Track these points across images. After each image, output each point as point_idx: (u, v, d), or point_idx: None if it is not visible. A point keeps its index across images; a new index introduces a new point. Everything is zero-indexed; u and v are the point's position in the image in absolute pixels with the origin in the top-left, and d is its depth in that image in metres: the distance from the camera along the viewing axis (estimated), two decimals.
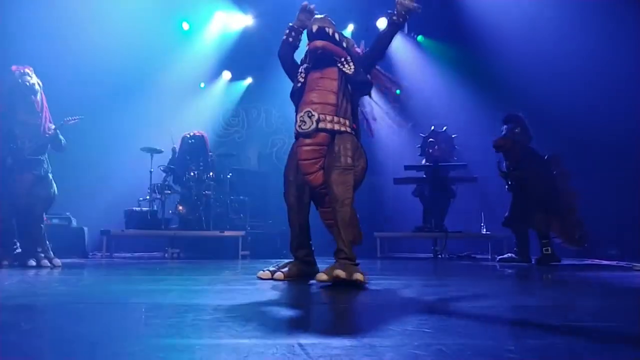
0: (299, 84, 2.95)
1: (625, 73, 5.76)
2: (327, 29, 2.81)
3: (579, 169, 5.19)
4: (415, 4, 2.88)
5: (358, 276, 2.49)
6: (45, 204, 4.03)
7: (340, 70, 2.85)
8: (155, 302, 1.99)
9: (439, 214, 6.24)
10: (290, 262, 2.98)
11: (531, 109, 5.45)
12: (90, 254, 5.70)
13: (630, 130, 5.69)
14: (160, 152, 6.18)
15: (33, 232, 3.93)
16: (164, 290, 2.41)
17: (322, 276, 2.51)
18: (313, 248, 3.06)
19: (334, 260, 2.65)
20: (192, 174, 6.09)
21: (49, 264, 3.86)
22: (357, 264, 2.65)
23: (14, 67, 3.97)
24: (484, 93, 7.15)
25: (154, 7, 7.00)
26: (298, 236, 2.94)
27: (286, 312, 1.72)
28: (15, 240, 4.00)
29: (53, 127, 4.04)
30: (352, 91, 2.89)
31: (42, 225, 4.03)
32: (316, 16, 2.92)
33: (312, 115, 2.72)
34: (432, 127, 6.55)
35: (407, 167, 6.47)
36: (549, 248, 4.75)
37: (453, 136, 6.49)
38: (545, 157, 5.01)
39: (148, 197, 6.06)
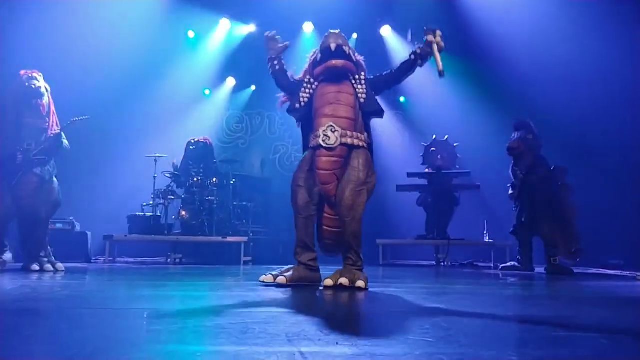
0: (306, 98, 3.04)
1: (628, 82, 5.75)
2: (344, 47, 2.96)
3: (581, 178, 5.18)
4: (439, 60, 2.90)
5: (360, 283, 2.68)
6: (51, 209, 4.04)
7: (354, 86, 3.00)
8: (157, 308, 1.99)
9: (443, 222, 6.22)
10: (294, 267, 2.99)
11: (533, 117, 5.46)
12: (93, 258, 5.72)
13: (632, 140, 5.68)
14: (162, 157, 6.20)
15: (37, 237, 3.94)
16: (166, 296, 2.41)
17: (328, 282, 2.75)
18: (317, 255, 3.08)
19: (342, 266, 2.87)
20: (195, 179, 6.10)
21: (52, 269, 3.87)
22: (362, 268, 2.84)
23: (22, 72, 4.02)
24: (486, 102, 7.16)
25: (160, 15, 7.07)
26: (303, 241, 2.97)
27: (287, 320, 1.72)
28: (6, 242, 4.01)
29: (58, 129, 4.05)
30: (364, 115, 3.02)
31: (46, 230, 4.04)
32: (331, 31, 3.03)
33: (336, 130, 2.85)
34: (434, 136, 6.55)
35: (409, 175, 6.46)
36: (557, 258, 4.73)
37: (455, 145, 6.49)
38: (552, 168, 5.01)
39: (151, 203, 6.08)
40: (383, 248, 6.15)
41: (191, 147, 6.42)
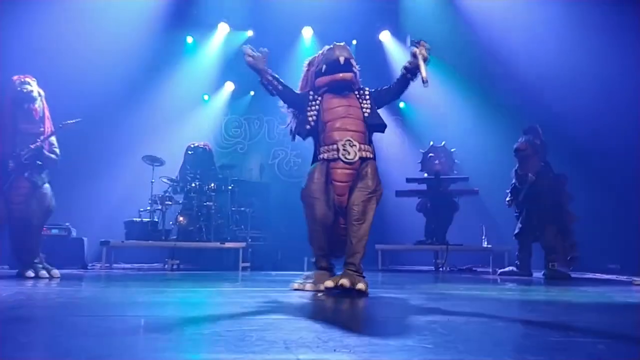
0: (314, 116, 3.09)
1: (628, 88, 5.77)
2: (352, 60, 3.06)
3: (579, 183, 5.19)
4: (424, 71, 2.96)
5: (360, 286, 2.73)
6: (43, 217, 4.00)
7: (358, 100, 3.11)
8: (154, 315, 1.98)
9: (442, 227, 6.23)
10: (316, 272, 3.07)
11: (530, 122, 5.48)
12: (90, 264, 5.69)
13: (630, 145, 5.70)
14: (162, 163, 6.19)
15: (29, 243, 3.90)
16: (162, 303, 2.40)
17: (329, 283, 2.80)
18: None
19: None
20: (193, 184, 6.09)
21: (47, 275, 3.84)
22: (363, 276, 2.88)
23: (15, 77, 3.98)
24: (485, 108, 7.18)
25: (158, 20, 7.09)
26: (323, 249, 3.09)
27: (285, 327, 1.71)
28: None
29: (39, 142, 3.95)
30: (367, 128, 3.12)
31: (39, 237, 4.01)
32: (337, 44, 3.10)
33: (354, 144, 2.96)
34: (431, 143, 6.56)
35: (408, 180, 6.47)
36: (555, 263, 4.74)
37: (452, 150, 6.50)
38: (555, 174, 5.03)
39: (149, 208, 6.06)
40: (382, 253, 6.14)
41: (189, 152, 6.41)
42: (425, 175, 6.49)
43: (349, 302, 2.45)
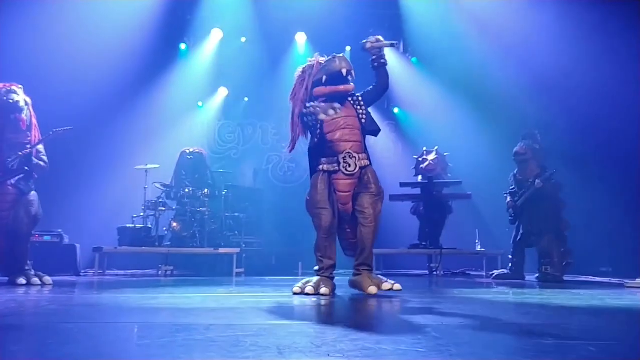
0: (319, 129, 3.17)
1: (619, 92, 5.80)
2: (352, 72, 3.17)
3: (571, 187, 5.23)
4: (385, 42, 3.23)
5: (386, 286, 3.06)
6: (31, 223, 3.93)
7: (354, 107, 3.22)
8: (147, 322, 1.97)
9: (435, 231, 6.24)
10: (318, 278, 3.12)
11: (525, 125, 5.52)
12: (83, 271, 5.63)
13: (621, 147, 5.75)
14: (154, 168, 6.16)
15: (19, 251, 3.86)
16: (155, 309, 2.38)
17: (373, 289, 3.00)
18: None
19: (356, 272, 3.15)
20: (186, 190, 6.07)
21: (39, 282, 3.80)
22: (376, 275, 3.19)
23: (0, 85, 3.90)
24: (478, 112, 7.22)
25: (152, 26, 7.07)
26: (328, 256, 3.16)
27: (279, 332, 1.71)
28: None
29: (28, 149, 3.91)
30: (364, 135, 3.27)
31: (28, 245, 3.97)
32: (337, 55, 3.19)
33: (353, 156, 3.11)
34: (424, 148, 6.58)
35: (402, 185, 6.49)
36: (549, 267, 4.77)
37: (445, 154, 6.53)
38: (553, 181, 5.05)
39: (142, 214, 6.03)
40: (376, 257, 6.13)
41: (189, 157, 6.38)
42: (420, 177, 6.50)
43: (342, 307, 2.45)
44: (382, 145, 7.92)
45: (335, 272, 3.24)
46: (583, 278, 5.31)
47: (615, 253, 5.62)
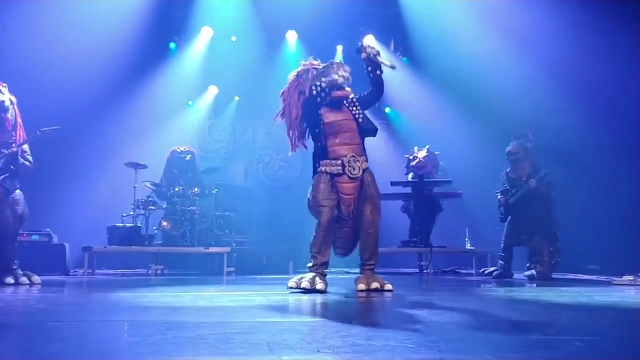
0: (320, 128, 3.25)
1: (611, 91, 5.86)
2: (350, 78, 3.23)
3: (559, 185, 5.28)
4: (385, 62, 3.26)
5: (388, 286, 3.13)
6: (17, 223, 3.86)
7: (349, 109, 3.28)
8: (137, 320, 1.96)
9: (425, 229, 6.28)
10: (313, 274, 3.13)
11: (516, 124, 5.56)
12: (72, 271, 5.57)
13: (608, 146, 5.82)
14: (144, 167, 6.12)
15: (6, 251, 3.80)
16: (145, 308, 2.37)
17: (361, 286, 3.11)
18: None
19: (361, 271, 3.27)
20: (176, 189, 6.04)
21: (27, 282, 3.76)
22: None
23: None
24: (469, 112, 7.26)
25: (141, 24, 7.02)
26: (323, 253, 3.20)
27: (269, 329, 1.71)
28: None
29: (14, 148, 3.83)
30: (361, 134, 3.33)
31: (14, 244, 3.92)
32: (335, 62, 3.31)
33: (357, 160, 3.20)
34: (415, 148, 6.61)
35: (393, 184, 6.51)
36: (537, 265, 4.82)
37: (436, 153, 6.57)
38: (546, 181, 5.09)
39: (132, 213, 5.98)
40: None
41: (182, 156, 6.36)
42: (411, 176, 6.53)
43: (332, 304, 2.46)
44: (373, 144, 7.95)
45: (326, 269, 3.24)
46: (571, 276, 5.38)
47: (603, 251, 5.69)
